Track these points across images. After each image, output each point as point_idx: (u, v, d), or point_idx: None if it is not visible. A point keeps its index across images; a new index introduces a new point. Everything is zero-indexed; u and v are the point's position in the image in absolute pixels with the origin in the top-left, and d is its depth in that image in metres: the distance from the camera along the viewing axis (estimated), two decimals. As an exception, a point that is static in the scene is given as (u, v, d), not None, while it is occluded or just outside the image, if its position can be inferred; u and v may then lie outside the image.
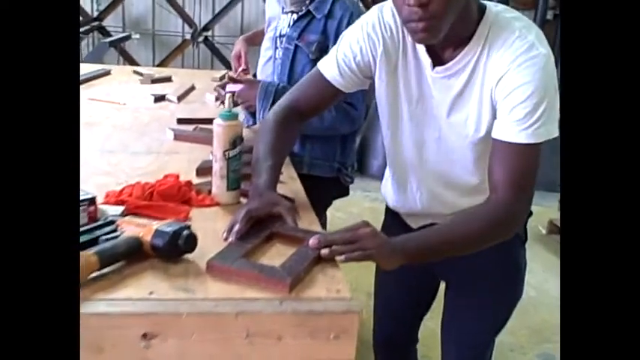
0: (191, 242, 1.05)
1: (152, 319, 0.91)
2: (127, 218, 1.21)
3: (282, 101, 1.43)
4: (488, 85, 1.17)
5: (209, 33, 5.59)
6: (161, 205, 1.25)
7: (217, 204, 1.33)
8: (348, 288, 1.01)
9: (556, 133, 1.13)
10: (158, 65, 5.54)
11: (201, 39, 5.31)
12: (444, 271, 1.51)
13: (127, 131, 1.89)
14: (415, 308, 1.67)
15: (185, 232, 1.04)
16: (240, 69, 2.42)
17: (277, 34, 1.87)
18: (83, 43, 5.33)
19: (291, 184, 1.53)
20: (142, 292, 0.95)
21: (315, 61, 1.72)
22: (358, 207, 4.28)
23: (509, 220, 1.17)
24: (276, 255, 1.11)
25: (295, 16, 1.79)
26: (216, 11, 5.57)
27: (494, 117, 1.19)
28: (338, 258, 1.06)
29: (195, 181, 1.45)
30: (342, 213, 3.92)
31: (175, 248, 1.04)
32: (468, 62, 1.19)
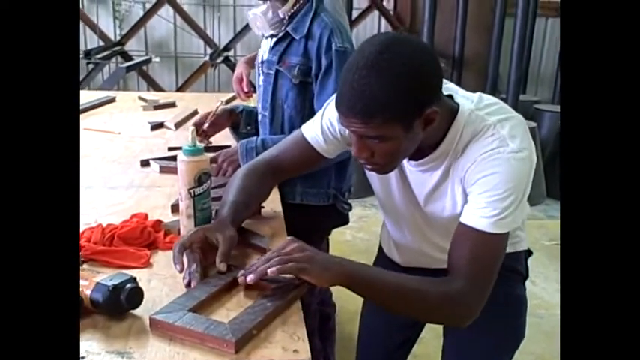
0: (134, 297, 0.95)
1: (76, 391, 0.80)
2: (84, 266, 1.12)
3: (260, 157, 1.38)
4: (459, 179, 1.12)
5: (230, 53, 5.55)
6: (120, 251, 1.16)
7: (184, 246, 1.22)
8: (307, 347, 0.89)
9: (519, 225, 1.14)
10: (179, 88, 5.53)
11: (220, 59, 5.27)
12: None
13: (114, 163, 1.81)
14: (399, 348, 1.56)
15: (128, 286, 0.94)
16: (228, 97, 2.31)
17: (259, 60, 1.77)
18: (105, 69, 5.35)
19: (273, 217, 1.42)
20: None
21: (297, 86, 1.62)
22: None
23: (459, 306, 1.07)
24: (235, 306, 1.00)
25: (275, 39, 1.68)
26: (237, 31, 5.53)
27: (465, 202, 1.13)
28: (270, 270, 0.99)
29: (170, 218, 1.35)
30: (364, 233, 3.79)
31: (116, 304, 0.93)
32: (442, 162, 1.14)
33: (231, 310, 0.99)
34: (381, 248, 1.50)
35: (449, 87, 1.14)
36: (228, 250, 1.10)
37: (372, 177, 1.29)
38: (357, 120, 1.00)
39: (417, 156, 1.15)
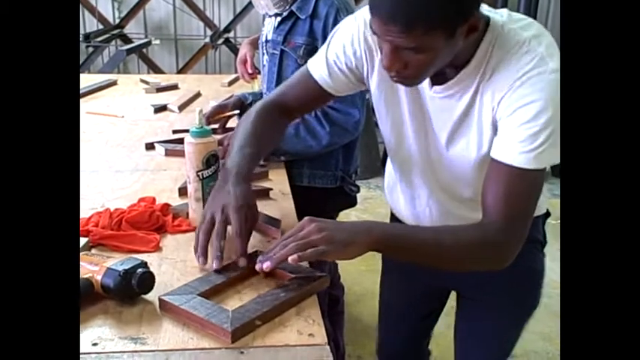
0: (146, 282, 0.93)
1: (90, 378, 0.79)
2: (92, 251, 1.10)
3: (267, 97, 1.29)
4: (489, 105, 1.02)
5: (231, 34, 5.50)
6: (129, 235, 1.14)
7: (195, 229, 1.20)
8: (323, 331, 0.87)
9: (558, 160, 0.96)
10: (180, 70, 5.48)
11: (221, 41, 5.22)
12: (453, 279, 1.33)
13: (118, 147, 1.78)
14: (424, 320, 1.52)
15: (139, 271, 0.92)
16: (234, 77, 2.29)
17: (264, 39, 1.73)
18: (105, 52, 5.31)
19: (281, 200, 1.40)
20: (85, 343, 0.83)
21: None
22: (386, 207, 4.13)
23: (498, 248, 1.01)
24: (252, 293, 0.97)
25: (279, 18, 1.65)
26: (237, 12, 5.47)
27: (495, 136, 1.04)
28: (290, 259, 0.93)
29: (178, 202, 1.33)
30: (368, 215, 3.78)
31: (127, 289, 0.92)
32: (470, 84, 1.04)
33: (245, 298, 0.97)
34: (393, 215, 1.42)
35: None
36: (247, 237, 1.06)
37: (384, 117, 1.20)
38: (396, 29, 0.91)
39: (440, 79, 1.06)
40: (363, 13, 1.14)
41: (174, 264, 1.07)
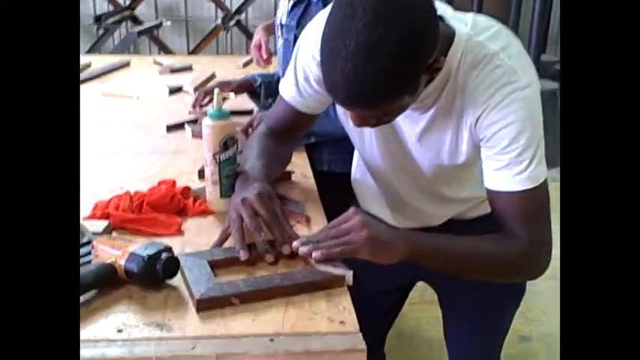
0: (170, 267, 0.91)
1: (115, 366, 0.76)
2: (113, 235, 1.08)
3: (259, 127, 1.29)
4: (466, 122, 1.00)
5: (242, 16, 5.43)
6: (150, 219, 1.11)
7: (212, 212, 1.18)
8: (354, 319, 0.84)
9: (545, 175, 0.99)
10: (191, 52, 5.43)
11: (232, 23, 5.16)
12: (430, 273, 1.24)
13: (135, 129, 1.75)
14: (390, 312, 1.48)
15: (164, 256, 0.90)
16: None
17: (278, 22, 1.69)
18: (115, 34, 5.26)
19: (303, 183, 1.36)
20: (109, 330, 0.81)
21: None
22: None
23: (531, 263, 1.01)
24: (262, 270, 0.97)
25: (292, 1, 1.60)
26: (249, -7, 5.40)
27: (473, 150, 1.03)
28: (314, 255, 0.92)
29: (198, 184, 1.30)
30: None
31: (152, 274, 0.89)
32: (436, 98, 1.01)
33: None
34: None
35: (437, 6, 0.94)
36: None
37: (351, 131, 1.19)
38: (360, 109, 0.92)
39: None
40: (315, 33, 1.06)
41: (198, 248, 1.04)
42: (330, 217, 1.17)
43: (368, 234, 0.92)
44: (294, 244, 0.96)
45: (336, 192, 1.46)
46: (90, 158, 1.47)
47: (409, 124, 1.08)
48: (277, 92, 1.75)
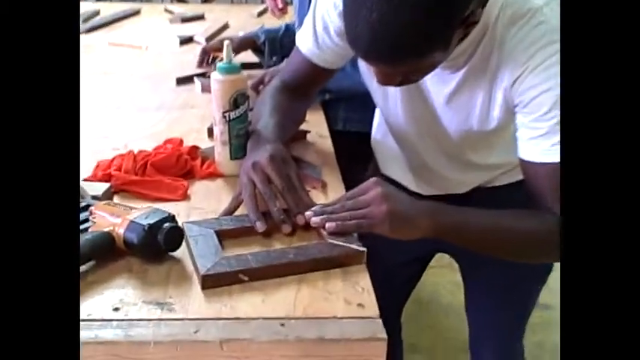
0: (173, 238, 0.83)
1: (110, 349, 0.69)
2: (114, 200, 1.00)
3: (272, 82, 1.20)
4: (502, 83, 0.90)
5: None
6: (154, 181, 1.03)
7: (221, 175, 1.09)
8: (374, 301, 0.76)
9: None
10: (205, 0, 5.27)
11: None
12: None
13: (143, 81, 1.66)
14: (407, 284, 1.40)
15: (166, 226, 0.82)
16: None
17: None
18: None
19: (320, 143, 1.27)
20: (105, 308, 0.74)
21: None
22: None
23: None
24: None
25: None
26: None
27: (506, 114, 0.93)
28: (327, 226, 0.85)
29: (207, 143, 1.21)
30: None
31: (153, 246, 0.81)
32: (470, 55, 0.91)
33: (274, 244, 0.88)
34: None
35: None
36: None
37: (375, 90, 1.10)
38: (384, 64, 0.82)
39: None
40: None
41: (205, 214, 0.96)
42: (346, 182, 1.09)
43: (388, 208, 0.83)
44: (307, 213, 0.88)
45: (349, 153, 1.38)
46: (94, 112, 1.39)
47: (438, 84, 0.98)
48: (283, 49, 1.66)
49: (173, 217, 0.84)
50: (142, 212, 0.84)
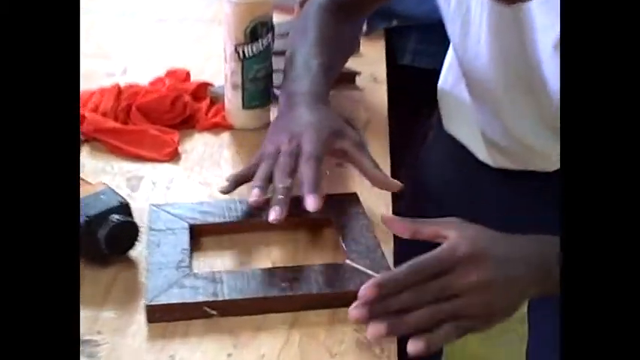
0: (119, 239, 0.58)
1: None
2: (82, 151, 0.76)
3: None
4: None
5: None
6: (136, 131, 0.78)
7: (230, 127, 0.83)
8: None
9: None
10: None
11: None
12: None
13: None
14: None
15: (113, 219, 0.57)
16: None
17: None
18: None
19: (371, 90, 0.98)
20: None
21: None
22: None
23: None
24: (275, 253, 0.62)
25: None
26: None
27: None
28: (411, 347, 0.50)
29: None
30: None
31: (92, 245, 0.57)
32: None
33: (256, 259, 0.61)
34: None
35: None
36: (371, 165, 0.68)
37: (451, 18, 0.81)
38: None
39: None
40: None
41: (197, 187, 0.71)
42: (401, 135, 0.89)
43: (490, 298, 0.52)
44: (360, 291, 0.51)
45: (417, 95, 1.10)
46: (102, 20, 1.13)
47: (549, 15, 0.67)
48: None
49: (126, 205, 0.59)
50: (88, 194, 0.59)
